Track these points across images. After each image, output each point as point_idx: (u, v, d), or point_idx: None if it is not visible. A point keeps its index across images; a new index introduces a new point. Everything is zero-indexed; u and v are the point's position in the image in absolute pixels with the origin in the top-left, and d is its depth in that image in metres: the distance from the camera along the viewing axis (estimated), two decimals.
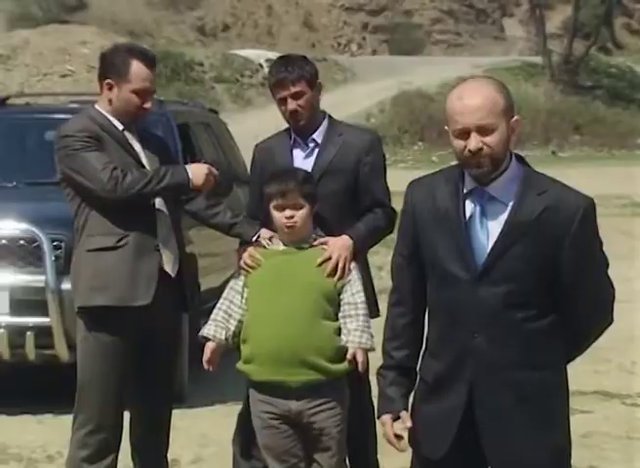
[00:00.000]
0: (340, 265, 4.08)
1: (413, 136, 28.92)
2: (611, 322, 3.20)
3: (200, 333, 4.11)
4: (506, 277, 2.99)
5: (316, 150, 4.45)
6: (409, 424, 3.14)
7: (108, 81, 4.47)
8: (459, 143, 3.02)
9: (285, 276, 4.01)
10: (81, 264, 4.46)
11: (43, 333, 6.23)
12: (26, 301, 6.31)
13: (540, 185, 3.05)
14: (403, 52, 42.19)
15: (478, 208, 3.05)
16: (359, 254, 4.27)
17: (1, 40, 30.49)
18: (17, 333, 6.28)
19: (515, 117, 3.06)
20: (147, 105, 4.45)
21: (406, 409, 3.17)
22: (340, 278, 4.06)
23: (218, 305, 4.12)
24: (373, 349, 4.02)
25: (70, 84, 26.81)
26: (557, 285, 3.03)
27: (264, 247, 4.14)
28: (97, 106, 4.53)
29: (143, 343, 4.47)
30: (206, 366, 4.09)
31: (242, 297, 4.08)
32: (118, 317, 4.39)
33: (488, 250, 3.01)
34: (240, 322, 4.06)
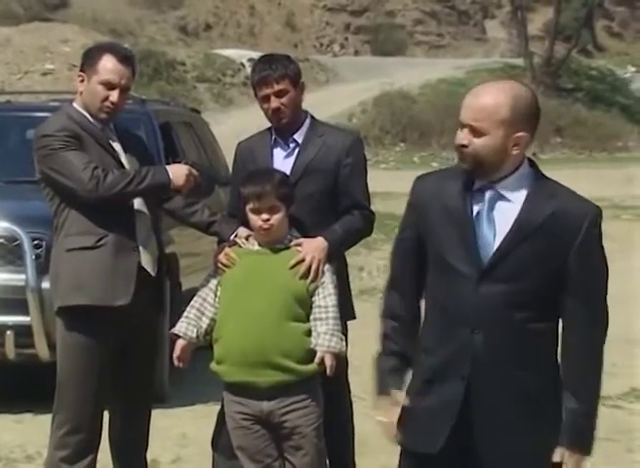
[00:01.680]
0: (314, 267, 4.07)
1: (394, 136, 28.95)
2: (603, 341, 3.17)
3: (171, 331, 4.13)
4: (510, 276, 3.00)
5: (296, 150, 4.44)
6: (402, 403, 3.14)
7: (80, 73, 4.50)
8: (457, 133, 3.07)
9: (257, 276, 4.01)
10: (60, 264, 4.45)
11: (23, 332, 6.21)
12: (6, 300, 6.29)
13: (550, 189, 3.07)
14: (385, 53, 42.24)
15: (486, 205, 3.05)
16: (334, 256, 4.27)
17: None
18: None
19: (521, 134, 3.04)
20: (113, 99, 4.43)
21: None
22: (313, 280, 4.05)
23: (191, 303, 4.14)
24: (342, 353, 4.02)
25: (51, 82, 26.71)
26: (559, 289, 3.04)
27: (240, 246, 4.14)
28: (74, 104, 4.53)
29: (123, 343, 4.46)
30: (176, 362, 4.12)
31: (215, 296, 4.09)
32: (97, 317, 4.37)
33: (494, 247, 3.02)
34: (212, 320, 4.07)
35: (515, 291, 3.00)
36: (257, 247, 4.10)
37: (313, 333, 3.98)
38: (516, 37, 39.47)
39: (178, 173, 4.43)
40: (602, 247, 3.10)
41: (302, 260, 4.07)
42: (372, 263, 11.68)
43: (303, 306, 4.00)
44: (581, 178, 20.22)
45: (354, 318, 4.34)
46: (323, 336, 3.97)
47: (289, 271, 4.02)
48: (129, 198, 4.41)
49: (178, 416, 6.35)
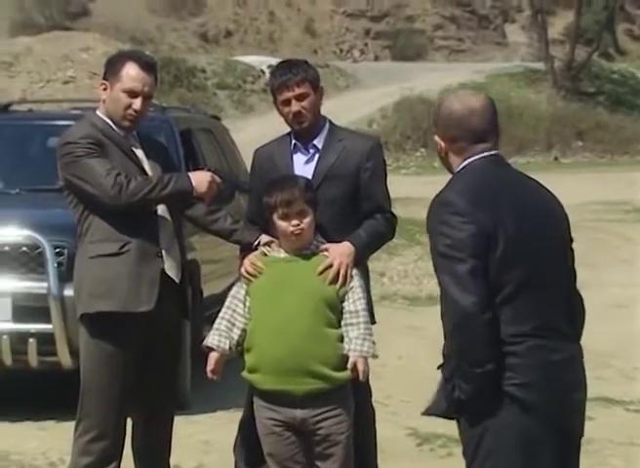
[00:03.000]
0: (342, 272, 4.08)
1: (415, 142, 28.92)
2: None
3: (204, 343, 4.10)
4: None
5: (317, 156, 4.45)
6: None
7: (103, 82, 4.51)
8: None
9: (286, 284, 4.01)
10: (83, 271, 4.46)
11: (45, 340, 6.23)
12: (29, 308, 6.31)
13: None
14: (405, 58, 42.20)
15: None
16: (360, 261, 4.27)
17: (4, 47, 30.52)
18: (19, 340, 6.27)
19: (436, 136, 3.34)
20: (136, 107, 4.44)
21: None
22: (342, 285, 4.06)
23: (221, 314, 4.11)
24: (375, 356, 4.03)
25: (72, 90, 26.83)
26: None
27: (265, 254, 4.14)
28: (97, 112, 4.55)
29: (146, 350, 4.47)
30: (210, 375, 4.09)
31: (245, 306, 4.08)
32: (120, 323, 4.39)
33: None
34: (243, 331, 4.05)
35: None
36: (283, 254, 4.09)
37: (345, 339, 3.98)
38: (537, 41, 39.35)
39: (200, 180, 4.44)
40: None
41: (330, 266, 4.08)
42: (392, 269, 11.67)
43: (334, 312, 4.00)
44: (603, 182, 20.15)
45: (374, 323, 4.34)
46: (355, 341, 3.97)
47: (318, 277, 4.02)
48: (152, 204, 4.42)
49: (200, 423, 6.36)
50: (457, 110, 3.26)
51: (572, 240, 3.32)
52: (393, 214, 4.53)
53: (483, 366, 3.02)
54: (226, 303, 4.13)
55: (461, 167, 3.25)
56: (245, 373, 4.04)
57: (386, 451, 5.22)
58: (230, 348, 4.06)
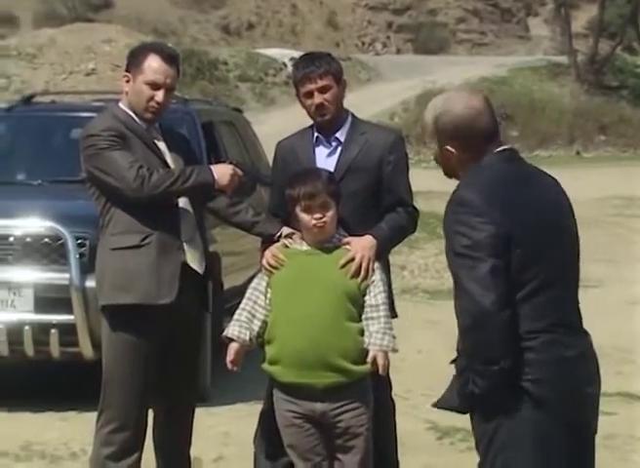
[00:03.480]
0: (364, 266, 4.08)
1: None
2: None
3: (224, 334, 4.11)
4: None
5: (339, 148, 4.44)
6: None
7: (126, 74, 4.51)
8: None
9: (308, 276, 4.01)
10: (105, 263, 4.48)
11: (67, 331, 6.26)
12: (51, 299, 6.34)
13: None
14: (427, 51, 42.13)
15: None
16: (382, 255, 4.28)
17: (27, 39, 30.65)
18: (41, 331, 6.31)
19: (447, 146, 3.23)
20: (159, 99, 4.44)
21: None
22: (364, 279, 4.05)
23: (241, 306, 4.12)
24: (395, 350, 4.02)
25: (95, 82, 26.91)
26: None
27: (287, 246, 4.14)
28: (120, 104, 4.56)
29: (166, 342, 4.48)
30: (230, 366, 4.10)
31: (266, 298, 4.08)
32: (142, 315, 4.40)
33: None
34: (264, 322, 4.05)
35: None
36: (305, 247, 4.08)
37: (365, 333, 3.98)
38: (560, 35, 39.23)
39: (222, 172, 4.45)
40: None
41: (352, 259, 4.07)
42: (413, 262, 11.66)
43: (356, 305, 4.00)
44: (625, 177, 20.05)
45: (395, 316, 4.34)
46: (375, 335, 3.97)
47: (340, 270, 4.02)
48: (174, 197, 4.43)
49: (220, 415, 6.37)
50: (465, 115, 3.19)
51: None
52: (415, 208, 4.52)
53: (499, 363, 3.02)
54: (247, 295, 4.13)
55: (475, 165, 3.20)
56: (265, 365, 4.05)
57: (406, 445, 5.22)
58: (250, 339, 4.06)
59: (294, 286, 4.01)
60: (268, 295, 4.07)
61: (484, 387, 3.04)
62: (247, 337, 4.06)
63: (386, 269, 4.46)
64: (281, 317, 4.00)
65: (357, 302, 4.00)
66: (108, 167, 4.38)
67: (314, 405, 3.98)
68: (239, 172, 4.49)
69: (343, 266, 4.04)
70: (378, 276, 4.08)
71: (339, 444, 4.04)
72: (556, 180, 3.30)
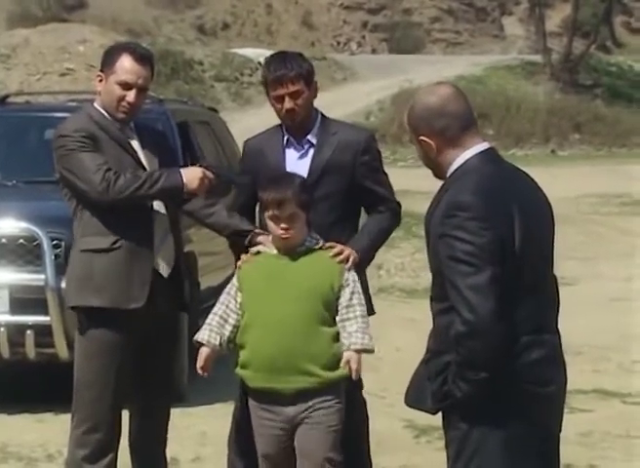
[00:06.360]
0: (346, 252, 4.08)
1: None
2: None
3: (194, 338, 4.08)
4: None
5: (311, 151, 4.42)
6: None
7: (99, 73, 4.51)
8: None
9: (279, 281, 3.96)
10: (74, 264, 4.47)
11: (43, 332, 6.23)
12: (26, 300, 6.32)
13: None
14: (403, 50, 42.16)
15: None
16: (364, 265, 4.28)
17: (1, 39, 30.45)
18: (17, 332, 6.28)
19: (422, 137, 3.22)
20: (130, 99, 4.42)
21: None
22: (344, 261, 4.02)
23: (214, 310, 4.09)
24: (371, 352, 3.99)
25: (69, 83, 26.78)
26: None
27: (258, 252, 4.09)
28: (95, 104, 4.54)
29: (142, 343, 4.46)
30: (200, 372, 4.07)
31: (236, 302, 4.04)
32: (112, 318, 4.38)
33: None
34: (235, 327, 4.02)
35: None
36: (276, 251, 4.04)
37: (343, 334, 3.93)
38: (534, 34, 39.34)
39: (191, 176, 4.39)
40: None
41: (339, 254, 4.06)
42: (390, 261, 11.67)
43: (329, 309, 3.95)
44: (600, 175, 20.14)
45: (374, 313, 4.34)
46: (355, 335, 3.93)
47: (312, 274, 3.97)
48: (140, 201, 4.39)
49: (197, 415, 6.36)
50: (433, 102, 3.20)
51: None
52: (398, 203, 4.52)
53: (490, 371, 3.02)
54: (220, 299, 4.10)
55: (459, 165, 3.17)
56: (238, 369, 4.03)
57: (383, 444, 5.22)
58: (221, 344, 4.02)
59: (265, 290, 3.97)
60: (239, 299, 4.03)
61: (468, 392, 3.05)
62: (217, 342, 4.02)
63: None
64: (252, 322, 3.97)
65: (330, 306, 3.95)
66: (76, 168, 4.36)
67: (285, 409, 3.94)
68: (209, 175, 4.43)
69: (319, 267, 4.00)
70: (351, 277, 4.03)
71: (305, 441, 3.95)
72: (535, 181, 3.30)
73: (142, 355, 4.48)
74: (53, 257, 6.22)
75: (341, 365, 3.92)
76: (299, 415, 3.95)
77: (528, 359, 3.08)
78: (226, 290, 4.11)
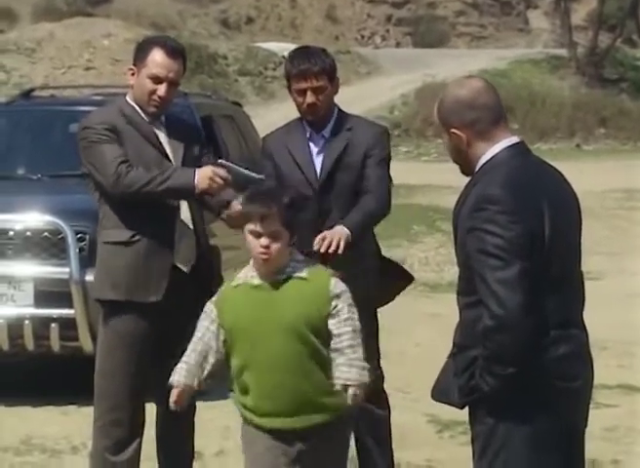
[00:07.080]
0: (335, 239, 4.09)
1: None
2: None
3: (170, 381, 3.79)
4: None
5: (325, 146, 4.44)
6: None
7: (131, 67, 4.51)
8: None
9: (265, 316, 3.66)
10: (99, 256, 4.50)
11: (67, 325, 6.26)
12: (51, 293, 6.34)
13: None
14: (426, 44, 42.09)
15: None
16: (356, 241, 4.24)
17: (26, 33, 30.61)
18: (41, 325, 6.31)
19: (453, 129, 3.21)
20: (161, 93, 4.42)
21: None
22: (335, 250, 4.01)
23: (191, 346, 3.81)
24: (364, 383, 3.69)
25: (94, 76, 26.89)
26: None
27: (236, 285, 3.81)
28: (127, 97, 4.55)
29: (163, 337, 4.47)
30: (173, 407, 3.82)
31: (218, 340, 3.77)
32: (132, 310, 4.40)
33: None
34: (217, 361, 3.78)
35: None
36: (257, 281, 3.71)
37: (333, 365, 3.67)
38: (559, 27, 39.18)
39: (201, 176, 4.34)
40: None
41: (323, 240, 4.08)
42: (414, 256, 11.64)
43: (321, 336, 3.67)
44: (625, 169, 20.02)
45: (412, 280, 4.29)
46: (341, 369, 3.66)
47: (297, 303, 3.66)
48: (150, 197, 4.35)
49: (220, 409, 6.37)
50: (464, 95, 3.20)
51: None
52: (388, 192, 4.44)
53: (517, 366, 3.01)
54: (198, 334, 3.81)
55: (488, 158, 3.16)
56: (243, 411, 3.81)
57: (407, 439, 5.22)
58: (199, 383, 3.79)
59: (250, 328, 3.68)
60: (221, 337, 3.77)
61: (495, 387, 3.04)
62: (194, 383, 3.77)
63: (375, 253, 4.47)
64: (245, 364, 3.71)
65: (322, 332, 3.67)
66: (95, 160, 4.38)
67: (297, 443, 3.72)
68: (222, 173, 4.34)
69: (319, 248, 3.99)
70: (342, 302, 3.69)
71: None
72: (563, 175, 3.29)
73: (164, 349, 4.48)
74: (77, 251, 6.24)
75: (336, 392, 3.68)
76: (303, 452, 3.75)
77: (555, 354, 3.07)
78: (204, 322, 3.81)
